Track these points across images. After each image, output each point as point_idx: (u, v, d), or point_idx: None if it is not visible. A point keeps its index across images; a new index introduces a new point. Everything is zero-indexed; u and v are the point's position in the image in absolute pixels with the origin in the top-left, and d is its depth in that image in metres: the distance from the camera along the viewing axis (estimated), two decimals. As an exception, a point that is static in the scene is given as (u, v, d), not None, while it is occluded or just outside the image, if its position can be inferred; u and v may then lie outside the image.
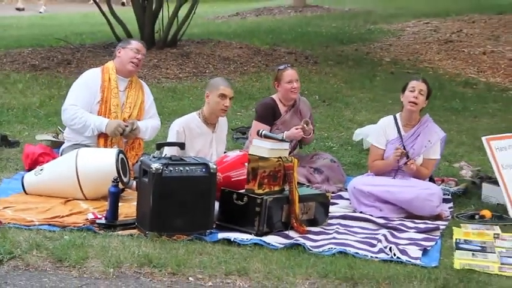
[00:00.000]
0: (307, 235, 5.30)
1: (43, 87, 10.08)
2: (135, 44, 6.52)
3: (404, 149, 6.05)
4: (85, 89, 6.34)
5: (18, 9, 21.39)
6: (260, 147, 5.44)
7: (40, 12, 20.74)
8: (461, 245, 5.23)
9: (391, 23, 16.43)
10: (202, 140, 6.15)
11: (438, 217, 5.82)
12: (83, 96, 6.30)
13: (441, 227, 5.64)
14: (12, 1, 23.10)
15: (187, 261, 4.65)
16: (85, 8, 20.75)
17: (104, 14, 12.52)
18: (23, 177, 5.96)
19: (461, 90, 11.28)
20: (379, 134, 6.28)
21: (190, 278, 4.47)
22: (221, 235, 5.15)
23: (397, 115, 6.27)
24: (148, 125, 6.51)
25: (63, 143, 6.53)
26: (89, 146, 6.17)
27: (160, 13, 12.55)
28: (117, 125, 6.21)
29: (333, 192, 6.30)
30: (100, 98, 6.32)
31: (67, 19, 18.66)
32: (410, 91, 6.13)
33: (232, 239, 5.09)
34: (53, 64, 11.47)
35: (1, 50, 12.56)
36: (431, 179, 6.27)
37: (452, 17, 16.75)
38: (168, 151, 5.85)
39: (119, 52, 6.46)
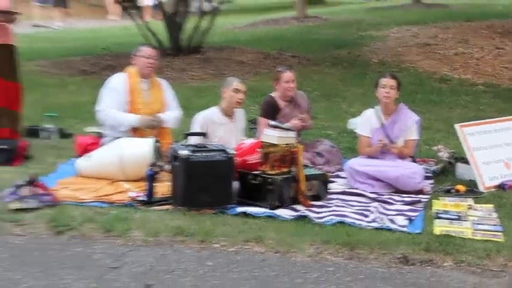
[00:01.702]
0: (311, 208, 5.29)
1: (91, 89, 10.06)
2: (145, 50, 6.43)
3: (386, 134, 6.03)
4: (115, 92, 6.28)
5: (36, 25, 19.20)
6: (270, 135, 5.44)
7: (55, 29, 18.95)
8: (440, 215, 5.21)
9: (378, 30, 16.35)
10: (223, 129, 6.16)
11: (421, 192, 5.80)
12: (114, 99, 6.26)
13: (423, 200, 5.62)
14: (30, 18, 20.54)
15: (213, 231, 4.66)
16: (122, 22, 20.66)
17: (139, 26, 12.53)
18: (75, 163, 5.99)
19: (438, 86, 11.23)
20: (364, 124, 6.25)
21: (215, 245, 4.47)
22: (240, 209, 5.14)
23: (377, 107, 6.24)
24: (171, 115, 6.48)
25: (107, 134, 6.53)
26: (125, 138, 6.16)
27: (185, 24, 12.56)
28: (146, 119, 6.23)
29: (332, 172, 6.30)
30: (129, 98, 6.30)
31: (108, 32, 18.64)
32: (382, 87, 6.11)
33: (249, 212, 5.09)
34: (99, 69, 11.50)
35: (57, 58, 12.59)
36: (413, 160, 6.24)
37: (429, 24, 16.65)
38: (194, 140, 5.86)
39: (134, 60, 6.43)
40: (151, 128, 6.29)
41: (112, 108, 6.25)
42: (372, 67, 12.31)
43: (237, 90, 6.10)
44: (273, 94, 6.73)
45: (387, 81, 6.11)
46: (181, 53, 12.37)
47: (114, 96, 6.28)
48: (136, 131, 6.28)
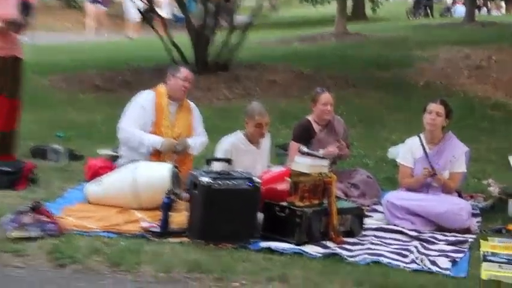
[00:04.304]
0: (343, 245, 5.24)
1: (105, 106, 10.16)
2: (183, 72, 6.54)
3: (430, 165, 5.96)
4: (140, 110, 6.38)
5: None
6: (301, 163, 5.40)
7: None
8: (488, 257, 5.07)
9: (425, 49, 16.25)
10: (248, 157, 6.16)
11: (467, 230, 5.71)
12: (139, 117, 6.35)
13: (470, 240, 5.53)
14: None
15: (232, 267, 4.62)
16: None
17: (162, 39, 12.59)
18: (85, 188, 6.00)
19: (490, 113, 11.11)
20: (406, 153, 6.21)
21: (234, 283, 4.42)
22: (263, 244, 5.10)
23: (421, 135, 6.18)
24: (197, 141, 6.54)
25: (121, 158, 6.56)
26: (142, 162, 6.18)
27: (213, 39, 12.58)
28: (170, 143, 6.27)
29: (368, 206, 6.24)
30: (154, 119, 6.36)
31: (132, 44, 18.79)
32: (428, 113, 6.06)
33: (273, 248, 5.04)
34: (114, 85, 11.58)
35: (70, 72, 12.72)
36: (459, 195, 6.15)
37: (482, 44, 16.50)
38: (217, 166, 5.84)
39: (169, 79, 6.50)
40: (174, 153, 6.30)
41: (135, 127, 6.30)
42: (417, 91, 12.21)
43: (259, 125, 6.11)
44: (309, 117, 6.72)
45: (434, 107, 6.06)
46: (208, 70, 12.37)
47: (140, 115, 6.35)
48: (156, 155, 6.29)
